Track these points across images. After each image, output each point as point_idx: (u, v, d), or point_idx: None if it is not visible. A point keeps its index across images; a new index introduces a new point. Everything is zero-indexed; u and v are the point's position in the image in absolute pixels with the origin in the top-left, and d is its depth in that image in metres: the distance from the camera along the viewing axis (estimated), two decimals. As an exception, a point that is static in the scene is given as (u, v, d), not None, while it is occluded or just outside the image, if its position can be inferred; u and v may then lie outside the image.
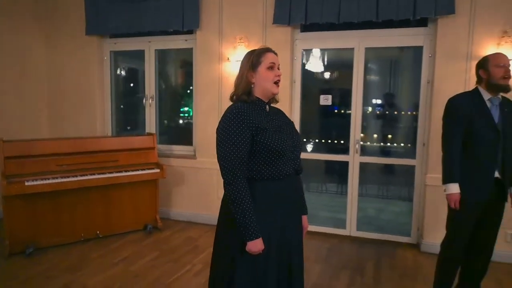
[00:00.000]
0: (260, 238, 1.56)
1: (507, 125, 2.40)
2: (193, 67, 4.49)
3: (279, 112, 1.83)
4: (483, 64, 2.44)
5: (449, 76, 3.52)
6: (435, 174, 3.43)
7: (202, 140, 4.41)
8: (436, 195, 3.53)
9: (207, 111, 4.35)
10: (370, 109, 4.54)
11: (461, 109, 2.42)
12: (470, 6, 3.42)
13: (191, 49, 4.51)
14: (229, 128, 1.57)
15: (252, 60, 1.68)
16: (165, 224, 4.29)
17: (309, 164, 4.22)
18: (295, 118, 4.12)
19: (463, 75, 3.48)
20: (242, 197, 1.54)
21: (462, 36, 3.47)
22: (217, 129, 1.65)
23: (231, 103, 1.71)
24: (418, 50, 3.81)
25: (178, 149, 4.69)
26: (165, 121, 5.06)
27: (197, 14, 4.19)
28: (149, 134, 4.32)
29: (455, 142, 2.42)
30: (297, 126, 4.06)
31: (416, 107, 4.46)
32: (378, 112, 4.61)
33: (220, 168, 1.61)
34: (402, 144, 5.29)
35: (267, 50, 1.73)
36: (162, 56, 4.88)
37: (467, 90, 2.66)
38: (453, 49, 3.51)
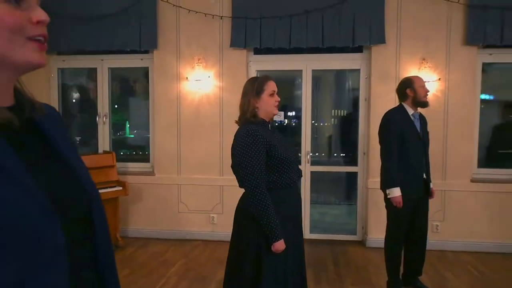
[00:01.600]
0: (283, 239, 1.83)
1: (425, 134, 3.01)
2: (149, 85, 4.59)
3: (275, 130, 2.16)
4: (410, 84, 2.97)
5: (382, 95, 4.16)
6: (376, 178, 3.99)
7: (160, 157, 4.49)
8: (377, 197, 4.10)
9: (166, 129, 4.44)
10: (286, 121, 5.05)
11: (395, 123, 2.92)
12: (396, 38, 4.12)
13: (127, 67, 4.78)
14: (248, 147, 1.84)
15: (256, 88, 1.97)
16: (125, 242, 4.26)
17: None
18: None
19: (393, 94, 4.08)
20: (267, 205, 1.80)
21: (391, 61, 4.15)
22: (234, 149, 1.92)
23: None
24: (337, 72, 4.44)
25: (134, 166, 4.69)
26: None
27: (155, 35, 4.32)
28: (107, 152, 4.29)
29: (393, 152, 2.88)
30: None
31: (329, 119, 5.11)
32: (293, 124, 5.12)
33: (243, 181, 1.88)
34: (316, 154, 5.89)
35: (268, 78, 2.03)
36: (91, 73, 4.87)
37: (397, 105, 3.19)
38: (384, 72, 4.17)
